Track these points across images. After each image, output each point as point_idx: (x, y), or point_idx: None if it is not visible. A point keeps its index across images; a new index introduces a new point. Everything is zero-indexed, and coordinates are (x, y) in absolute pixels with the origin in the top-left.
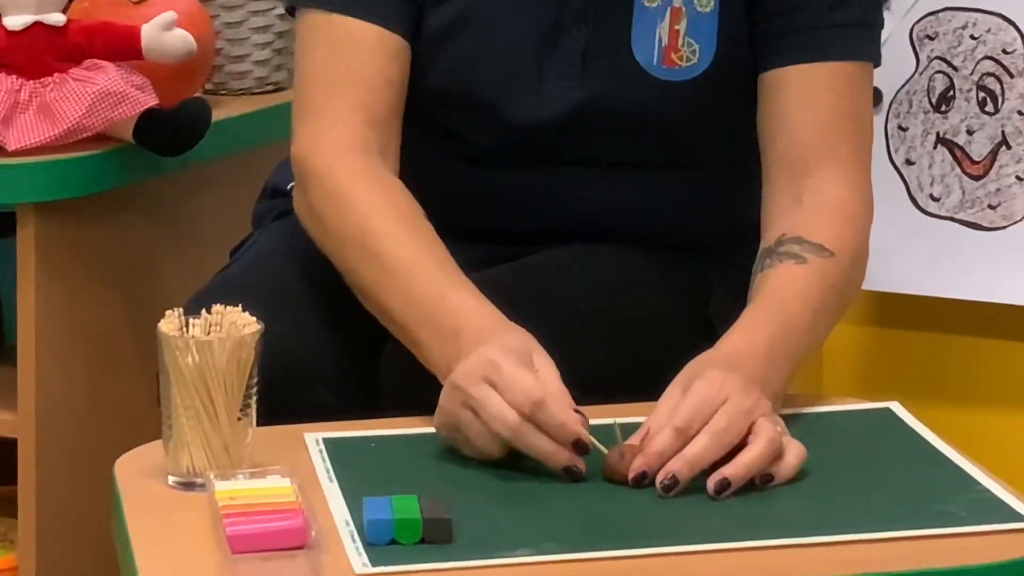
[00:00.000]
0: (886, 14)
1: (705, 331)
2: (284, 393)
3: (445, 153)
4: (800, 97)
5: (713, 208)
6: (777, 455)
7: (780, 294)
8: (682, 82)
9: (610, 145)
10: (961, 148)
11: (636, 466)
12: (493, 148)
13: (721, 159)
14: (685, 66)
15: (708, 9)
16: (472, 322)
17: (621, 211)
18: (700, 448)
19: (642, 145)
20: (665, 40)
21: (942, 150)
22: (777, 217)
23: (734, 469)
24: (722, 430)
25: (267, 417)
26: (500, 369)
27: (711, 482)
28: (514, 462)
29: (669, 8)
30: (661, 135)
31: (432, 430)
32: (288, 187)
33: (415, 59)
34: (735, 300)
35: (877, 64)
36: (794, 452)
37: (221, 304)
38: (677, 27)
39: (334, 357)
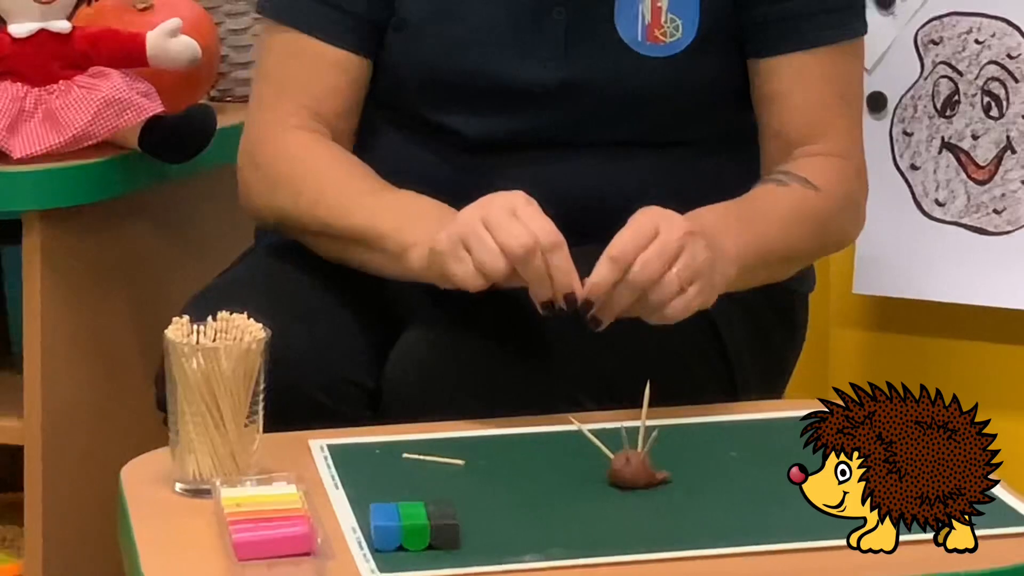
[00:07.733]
0: (890, 19)
1: (709, 331)
2: (281, 396)
3: (435, 147)
4: (793, 83)
5: (707, 188)
6: (668, 260)
7: (756, 199)
8: (667, 58)
9: (598, 124)
10: (966, 153)
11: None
12: (481, 136)
13: (711, 136)
14: (669, 42)
15: None
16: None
17: (614, 192)
18: (636, 272)
19: (630, 123)
20: (648, 17)
21: (947, 155)
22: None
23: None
24: (654, 256)
25: (265, 419)
26: (526, 208)
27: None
28: (520, 466)
29: None
30: (648, 112)
31: (436, 436)
32: None
33: (395, 54)
34: (730, 298)
35: (864, 32)
36: (697, 290)
37: (220, 305)
38: (659, 3)
39: (333, 361)
